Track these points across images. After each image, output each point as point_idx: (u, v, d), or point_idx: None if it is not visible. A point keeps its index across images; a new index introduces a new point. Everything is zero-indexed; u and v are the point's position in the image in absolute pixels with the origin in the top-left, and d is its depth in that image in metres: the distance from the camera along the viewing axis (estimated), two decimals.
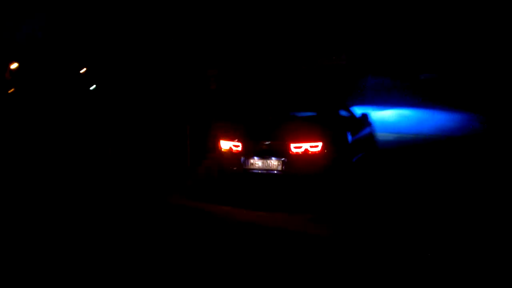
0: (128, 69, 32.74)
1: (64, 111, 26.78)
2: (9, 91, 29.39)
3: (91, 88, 33.74)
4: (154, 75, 30.46)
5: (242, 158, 8.10)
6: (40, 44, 39.50)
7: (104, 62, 35.68)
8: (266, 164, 7.98)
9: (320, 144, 7.96)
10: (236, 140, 8.03)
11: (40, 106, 29.25)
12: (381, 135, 11.58)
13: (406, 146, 12.86)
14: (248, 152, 7.97)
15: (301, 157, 7.91)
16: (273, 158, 7.92)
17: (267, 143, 8.10)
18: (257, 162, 7.99)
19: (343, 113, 9.88)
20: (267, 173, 8.04)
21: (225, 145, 8.26)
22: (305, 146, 7.79)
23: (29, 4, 35.06)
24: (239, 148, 8.13)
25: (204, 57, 23.80)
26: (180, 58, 28.79)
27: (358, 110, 10.32)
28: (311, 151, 7.83)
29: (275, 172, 7.94)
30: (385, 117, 15.35)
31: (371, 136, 10.53)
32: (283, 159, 7.91)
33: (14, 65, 27.77)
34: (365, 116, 10.16)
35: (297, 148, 7.83)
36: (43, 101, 30.14)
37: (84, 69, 35.25)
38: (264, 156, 8.04)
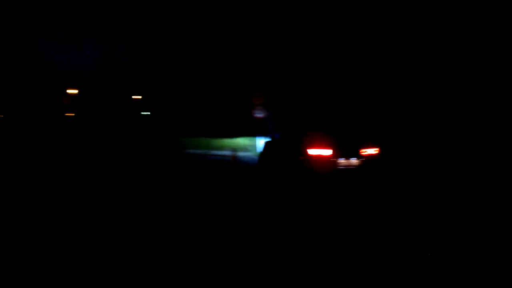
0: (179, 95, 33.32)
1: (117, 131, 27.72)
2: (67, 114, 30.80)
3: (144, 113, 34.55)
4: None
5: (332, 159, 10.61)
6: (97, 74, 41.18)
7: (157, 90, 36.58)
8: (348, 162, 10.76)
9: (377, 149, 11.09)
10: (327, 147, 10.61)
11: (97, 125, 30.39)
12: None
13: None
14: (337, 155, 10.64)
15: (367, 157, 10.87)
16: (352, 158, 10.74)
17: (347, 149, 10.81)
18: (342, 161, 10.64)
19: None
20: (348, 168, 10.78)
21: (316, 151, 10.62)
22: (369, 151, 10.89)
23: (88, 37, 37.07)
24: (330, 152, 10.61)
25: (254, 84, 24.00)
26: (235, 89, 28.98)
27: None
28: (371, 153, 10.97)
29: (353, 167, 10.76)
30: None
31: None
32: (358, 159, 10.79)
33: (73, 91, 29.11)
34: None
35: (364, 152, 10.82)
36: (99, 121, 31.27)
37: (138, 96, 36.35)
38: (347, 157, 10.75)
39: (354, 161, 10.54)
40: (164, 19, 31.64)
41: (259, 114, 18.96)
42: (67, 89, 29.71)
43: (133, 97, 36.54)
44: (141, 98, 37.20)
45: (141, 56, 37.37)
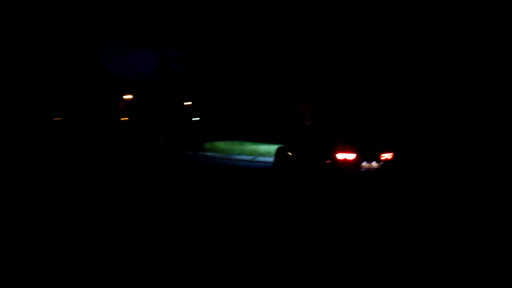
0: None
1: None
2: (122, 119, 32.31)
3: (194, 119, 35.49)
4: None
5: (356, 163, 11.88)
6: (151, 80, 42.64)
7: (206, 96, 37.45)
8: (369, 165, 12.09)
9: (392, 154, 12.40)
10: (352, 152, 11.90)
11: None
12: None
13: None
14: (360, 159, 11.97)
15: (385, 161, 12.17)
16: (373, 162, 12.07)
17: (370, 153, 12.14)
18: (364, 164, 12.00)
19: None
20: (369, 170, 12.11)
21: (343, 156, 11.90)
22: (386, 155, 12.21)
23: (144, 46, 38.53)
24: (354, 157, 11.91)
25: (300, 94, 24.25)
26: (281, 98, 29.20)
27: None
28: (387, 158, 12.21)
29: (373, 169, 12.10)
30: None
31: None
32: (378, 162, 12.10)
33: (128, 96, 30.49)
34: None
35: (383, 156, 12.16)
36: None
37: (189, 102, 37.37)
38: (368, 161, 12.07)
39: (374, 164, 12.02)
40: (216, 27, 32.44)
41: (307, 121, 19.20)
42: (123, 95, 31.23)
43: (184, 103, 37.59)
44: (191, 104, 38.17)
45: (193, 63, 38.41)
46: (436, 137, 17.82)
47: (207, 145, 25.23)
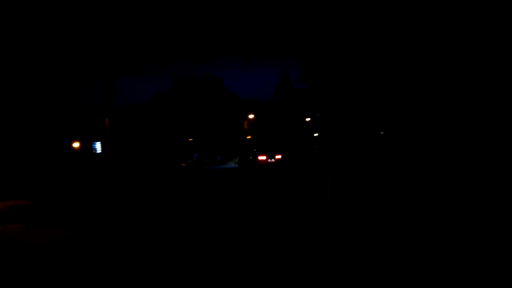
0: None
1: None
2: (247, 137, 33.88)
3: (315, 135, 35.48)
4: None
5: (266, 159, 26.67)
6: (272, 101, 43.89)
7: (328, 111, 37.22)
8: (271, 160, 26.21)
9: (280, 155, 25.88)
10: (264, 155, 26.26)
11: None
12: None
13: None
14: (267, 158, 26.29)
15: (277, 159, 27.69)
16: (272, 159, 28.17)
17: (271, 155, 27.01)
18: (269, 160, 26.23)
19: None
20: (271, 163, 26.14)
21: (261, 157, 26.19)
22: (278, 156, 26.95)
23: (265, 68, 40.04)
24: (265, 157, 26.41)
25: None
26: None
27: None
28: (279, 157, 27.12)
29: (272, 162, 26.33)
30: None
31: None
32: (274, 159, 28.70)
33: (251, 116, 31.96)
34: None
35: (277, 156, 26.70)
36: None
37: (308, 118, 37.57)
38: (270, 159, 27.66)
39: (273, 160, 25.49)
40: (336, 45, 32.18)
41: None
42: (246, 115, 32.75)
43: (306, 119, 37.95)
44: (311, 120, 38.40)
45: (316, 78, 38.68)
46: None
47: None
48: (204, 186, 17.29)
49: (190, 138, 41.20)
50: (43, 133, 31.34)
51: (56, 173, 22.34)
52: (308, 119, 38.42)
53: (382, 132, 30.85)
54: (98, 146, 35.49)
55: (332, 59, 32.57)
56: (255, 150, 32.99)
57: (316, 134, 38.25)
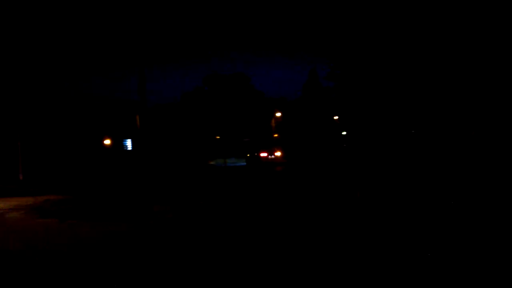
0: None
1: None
2: (274, 136, 33.93)
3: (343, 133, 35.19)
4: None
5: (267, 156, 32.76)
6: (300, 99, 43.71)
7: (356, 109, 36.78)
8: (271, 157, 32.02)
9: (280, 152, 31.73)
10: (265, 152, 32.36)
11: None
12: None
13: None
14: (268, 155, 32.49)
15: (277, 156, 32.50)
16: (273, 156, 33.81)
17: (272, 152, 32.95)
18: (269, 157, 31.78)
19: None
20: (271, 159, 31.93)
21: (263, 154, 30.68)
22: (277, 154, 32.57)
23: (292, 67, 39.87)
24: (266, 154, 31.20)
25: None
26: None
27: None
28: (278, 155, 31.95)
29: (272, 158, 33.03)
30: None
31: None
32: (274, 156, 33.58)
33: (278, 114, 31.97)
34: None
35: (277, 153, 32.84)
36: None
37: (336, 117, 37.27)
38: (271, 155, 33.09)
39: (273, 156, 30.47)
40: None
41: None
42: (273, 113, 32.79)
43: (334, 117, 37.62)
44: (339, 118, 38.02)
45: (343, 78, 38.28)
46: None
47: None
48: (233, 184, 17.41)
49: (217, 136, 41.56)
50: (77, 131, 32.22)
51: (89, 169, 22.96)
52: (336, 118, 38.09)
53: (413, 131, 30.26)
54: (129, 143, 36.26)
55: (362, 56, 32.03)
56: (258, 147, 35.41)
57: (344, 133, 37.88)
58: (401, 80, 28.99)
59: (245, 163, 31.66)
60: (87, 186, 16.72)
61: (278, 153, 32.52)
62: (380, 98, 31.12)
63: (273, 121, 35.72)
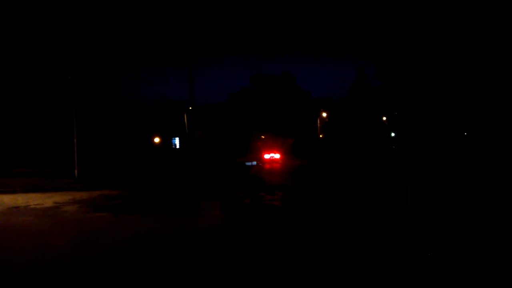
0: None
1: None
2: (320, 136, 33.64)
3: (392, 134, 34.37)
4: None
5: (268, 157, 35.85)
6: (346, 99, 42.98)
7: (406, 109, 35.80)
8: (270, 157, 35.32)
9: (279, 154, 35.46)
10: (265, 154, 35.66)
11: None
12: None
13: None
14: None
15: (275, 157, 36.99)
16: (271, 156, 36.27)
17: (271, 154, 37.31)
18: (269, 158, 34.90)
19: None
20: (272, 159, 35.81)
21: (266, 156, 35.55)
22: (275, 156, 35.65)
23: (340, 67, 39.40)
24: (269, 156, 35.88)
25: None
26: None
27: None
28: (275, 157, 35.75)
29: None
30: None
31: None
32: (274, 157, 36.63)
33: (324, 114, 31.68)
34: None
35: (276, 155, 36.66)
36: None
37: (384, 118, 36.43)
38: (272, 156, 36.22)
39: (276, 158, 33.02)
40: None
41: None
42: (319, 113, 32.50)
43: (383, 118, 36.79)
44: (388, 119, 37.10)
45: (393, 78, 37.33)
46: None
47: None
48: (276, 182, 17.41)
49: (263, 135, 41.76)
50: (129, 129, 33.51)
51: (139, 166, 23.80)
52: (384, 118, 37.20)
53: (465, 133, 29.02)
54: (177, 141, 37.38)
55: (413, 54, 31.01)
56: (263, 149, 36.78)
57: (393, 134, 36.92)
58: (454, 82, 27.76)
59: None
60: (138, 182, 17.32)
61: (277, 155, 34.13)
62: (431, 100, 29.96)
63: (318, 121, 35.33)
